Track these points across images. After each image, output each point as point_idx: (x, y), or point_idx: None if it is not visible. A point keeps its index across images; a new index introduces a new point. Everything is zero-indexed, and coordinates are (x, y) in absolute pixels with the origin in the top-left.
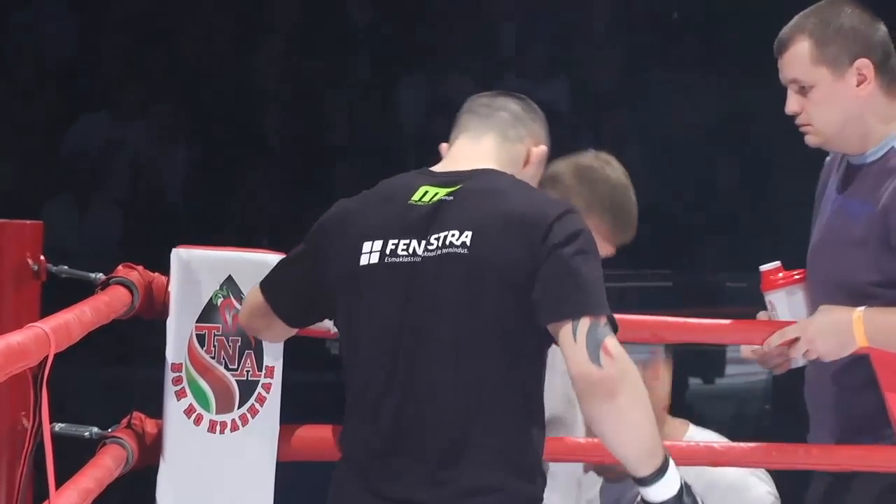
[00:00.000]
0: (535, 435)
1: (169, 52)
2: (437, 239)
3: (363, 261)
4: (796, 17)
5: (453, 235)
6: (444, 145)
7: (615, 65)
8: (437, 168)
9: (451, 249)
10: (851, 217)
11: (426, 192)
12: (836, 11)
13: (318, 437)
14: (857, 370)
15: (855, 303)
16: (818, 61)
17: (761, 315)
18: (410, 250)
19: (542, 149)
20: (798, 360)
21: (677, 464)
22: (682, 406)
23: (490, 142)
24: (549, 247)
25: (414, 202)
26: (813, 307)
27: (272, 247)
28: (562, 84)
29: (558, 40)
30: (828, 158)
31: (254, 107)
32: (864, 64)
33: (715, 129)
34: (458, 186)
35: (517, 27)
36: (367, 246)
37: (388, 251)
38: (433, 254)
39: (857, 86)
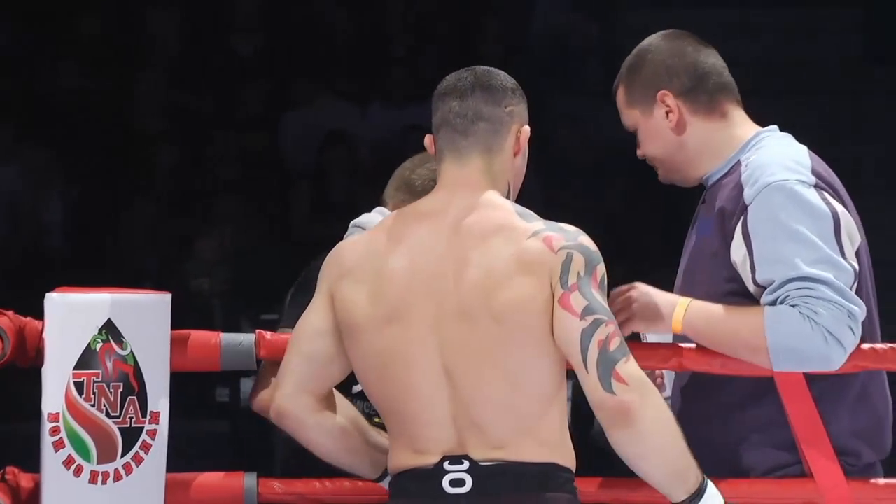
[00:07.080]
0: None
1: (41, 89)
2: None
3: None
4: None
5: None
6: (430, 139)
7: None
8: (431, 200)
9: None
10: (704, 234)
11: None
12: (645, 51)
13: (208, 486)
14: (723, 400)
15: None
16: (630, 105)
17: None
18: None
19: (525, 130)
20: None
21: None
22: None
23: (477, 163)
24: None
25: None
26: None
27: (158, 287)
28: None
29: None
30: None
31: (136, 144)
32: (663, 95)
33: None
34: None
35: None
36: None
37: None
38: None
39: (666, 117)
